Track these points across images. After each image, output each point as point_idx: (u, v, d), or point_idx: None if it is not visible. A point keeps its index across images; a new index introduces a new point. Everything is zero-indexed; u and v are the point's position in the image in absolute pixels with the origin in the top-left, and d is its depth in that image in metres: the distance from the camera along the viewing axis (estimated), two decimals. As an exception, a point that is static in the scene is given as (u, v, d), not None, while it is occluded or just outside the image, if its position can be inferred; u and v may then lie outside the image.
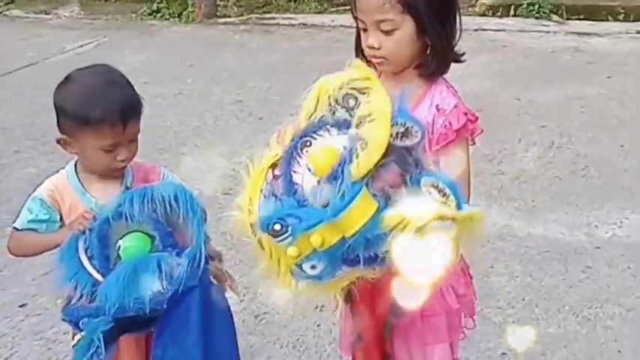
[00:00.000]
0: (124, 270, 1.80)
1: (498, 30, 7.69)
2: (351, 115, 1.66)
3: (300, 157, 1.65)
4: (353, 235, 1.55)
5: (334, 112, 1.68)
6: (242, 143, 5.10)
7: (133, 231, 1.87)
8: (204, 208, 1.94)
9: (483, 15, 8.18)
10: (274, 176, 1.67)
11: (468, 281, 2.11)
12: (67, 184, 2.03)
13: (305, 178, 1.62)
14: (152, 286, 1.79)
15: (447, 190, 1.57)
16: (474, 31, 7.42)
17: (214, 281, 1.95)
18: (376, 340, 2.02)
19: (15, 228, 2.04)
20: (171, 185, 1.93)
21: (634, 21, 7.80)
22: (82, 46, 7.72)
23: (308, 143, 1.66)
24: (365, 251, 1.58)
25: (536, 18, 8.01)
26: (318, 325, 3.08)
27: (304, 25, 8.27)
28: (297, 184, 1.62)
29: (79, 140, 1.94)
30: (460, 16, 1.95)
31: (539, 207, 4.09)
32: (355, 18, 1.94)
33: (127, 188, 2.03)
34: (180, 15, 8.74)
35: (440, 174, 1.65)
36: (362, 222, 1.54)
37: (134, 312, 1.81)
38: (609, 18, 7.88)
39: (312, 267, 1.59)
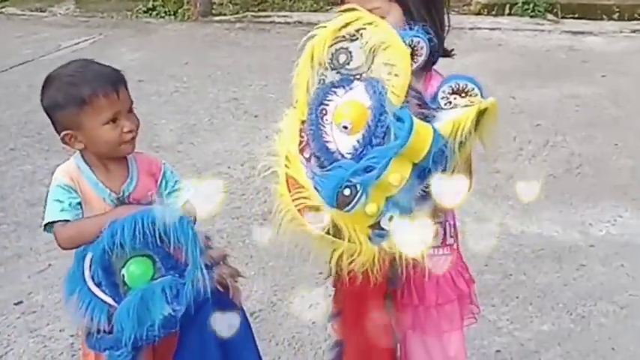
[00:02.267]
0: (132, 302, 1.86)
1: (493, 29, 7.70)
2: (341, 74, 1.67)
3: (324, 126, 1.65)
4: (425, 157, 1.57)
5: (324, 80, 1.69)
6: (238, 141, 5.11)
7: (134, 256, 1.91)
8: (194, 222, 1.98)
9: (478, 14, 8.17)
10: (306, 159, 1.67)
11: (466, 267, 2.13)
12: (80, 174, 2.03)
13: (339, 143, 1.63)
14: (162, 311, 1.86)
15: (468, 85, 1.63)
16: (469, 29, 7.44)
17: (220, 288, 1.99)
18: (378, 311, 2.03)
19: (51, 223, 1.98)
20: (158, 210, 1.94)
21: (629, 20, 7.83)
22: (77, 43, 7.73)
23: (324, 111, 1.66)
24: (435, 170, 1.60)
25: (531, 17, 8.02)
26: (313, 323, 3.09)
27: (300, 23, 8.28)
28: (335, 151, 1.62)
29: (82, 126, 1.97)
30: (449, 11, 1.96)
31: (534, 205, 4.09)
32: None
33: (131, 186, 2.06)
34: (175, 13, 8.75)
35: (451, 76, 1.68)
36: (429, 139, 1.56)
37: (150, 340, 1.90)
38: (604, 17, 7.90)
39: (390, 219, 1.60)
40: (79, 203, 2.00)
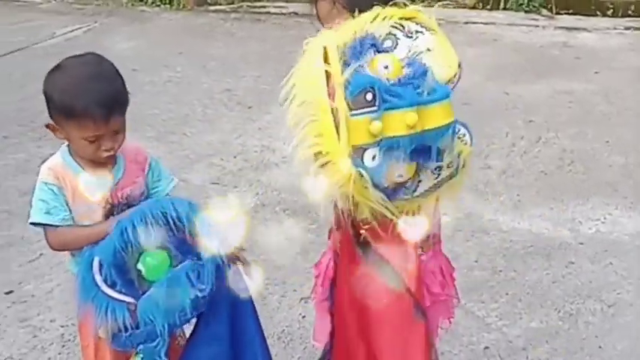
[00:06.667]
0: (159, 293, 1.89)
1: (488, 23, 7.69)
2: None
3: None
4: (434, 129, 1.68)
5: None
6: (231, 132, 5.11)
7: (146, 249, 1.92)
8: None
9: (473, 8, 8.15)
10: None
11: (444, 282, 2.13)
12: (65, 167, 2.03)
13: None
14: (189, 295, 1.89)
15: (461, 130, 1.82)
16: (464, 24, 7.44)
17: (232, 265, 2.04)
18: None
19: (48, 226, 2.02)
20: (165, 200, 1.98)
21: (622, 17, 7.82)
22: (72, 31, 7.69)
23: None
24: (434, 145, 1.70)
25: (526, 12, 8.02)
26: (304, 317, 3.10)
27: (295, 14, 8.25)
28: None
29: (64, 129, 1.98)
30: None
31: (525, 202, 4.12)
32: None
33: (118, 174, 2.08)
34: (171, 2, 8.71)
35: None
36: (447, 120, 1.69)
37: (183, 323, 1.97)
38: (598, 13, 7.91)
39: (373, 158, 1.65)
40: (65, 204, 2.01)
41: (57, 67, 2.01)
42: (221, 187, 4.33)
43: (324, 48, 1.70)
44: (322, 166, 1.68)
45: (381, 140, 1.64)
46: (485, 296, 3.28)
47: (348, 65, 1.70)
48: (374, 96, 1.61)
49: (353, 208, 1.73)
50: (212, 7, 8.66)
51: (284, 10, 8.43)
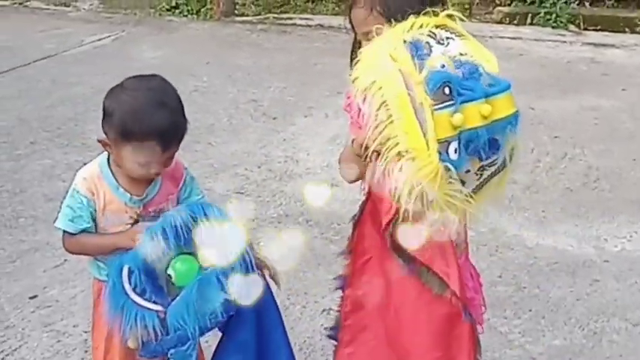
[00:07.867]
0: (190, 296, 1.89)
1: (515, 38, 7.66)
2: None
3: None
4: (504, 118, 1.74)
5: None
6: (255, 143, 5.13)
7: (177, 255, 1.93)
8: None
9: (500, 22, 8.14)
10: None
11: (477, 287, 2.14)
12: (101, 177, 2.05)
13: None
14: (219, 298, 1.90)
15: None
16: (490, 38, 7.41)
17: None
18: None
19: (66, 232, 2.07)
20: (195, 205, 1.99)
21: (651, 34, 7.78)
22: (100, 39, 7.74)
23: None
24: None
25: (553, 27, 7.98)
26: (325, 328, 3.08)
27: (321, 26, 8.29)
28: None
29: (117, 148, 1.98)
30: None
31: (550, 218, 4.09)
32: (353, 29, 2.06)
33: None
34: (198, 12, 8.77)
35: None
36: (513, 110, 1.77)
37: (213, 326, 1.97)
38: (626, 30, 7.85)
39: (455, 151, 1.69)
40: (90, 216, 2.04)
41: (121, 86, 1.99)
42: (245, 197, 4.34)
43: (390, 50, 1.73)
44: (406, 163, 1.69)
45: (460, 133, 1.68)
46: (508, 312, 3.25)
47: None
48: (450, 90, 1.66)
49: (426, 206, 1.73)
50: (239, 18, 8.71)
51: (310, 22, 8.46)
